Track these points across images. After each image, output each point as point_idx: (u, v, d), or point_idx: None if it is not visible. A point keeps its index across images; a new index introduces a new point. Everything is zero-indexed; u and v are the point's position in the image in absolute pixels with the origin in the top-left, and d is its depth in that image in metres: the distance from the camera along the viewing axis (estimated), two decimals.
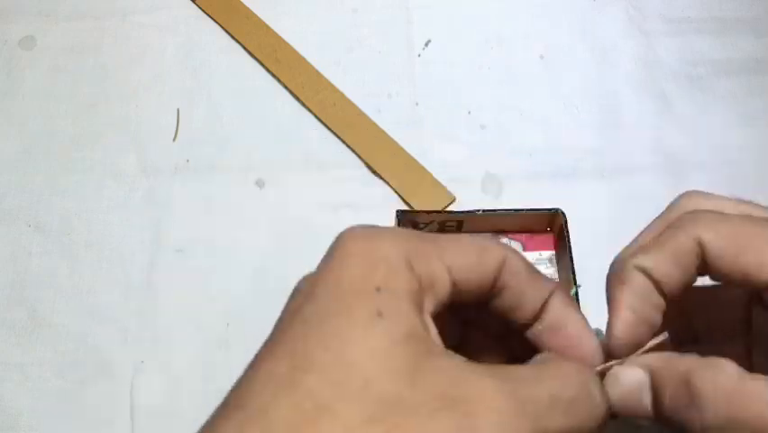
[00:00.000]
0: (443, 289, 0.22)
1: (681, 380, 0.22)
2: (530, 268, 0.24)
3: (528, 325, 0.25)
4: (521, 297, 0.24)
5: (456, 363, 0.20)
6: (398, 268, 0.21)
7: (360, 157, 0.50)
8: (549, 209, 0.44)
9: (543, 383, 0.21)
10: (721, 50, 0.56)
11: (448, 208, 0.48)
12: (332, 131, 0.51)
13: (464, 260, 0.22)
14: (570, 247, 0.42)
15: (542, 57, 0.55)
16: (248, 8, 0.57)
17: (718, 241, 0.25)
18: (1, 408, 0.42)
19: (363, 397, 0.18)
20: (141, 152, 0.51)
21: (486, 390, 0.19)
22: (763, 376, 0.22)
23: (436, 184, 0.49)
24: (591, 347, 0.24)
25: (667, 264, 0.25)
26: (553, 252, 0.44)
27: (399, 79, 0.54)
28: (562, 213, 0.43)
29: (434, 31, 0.56)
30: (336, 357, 0.19)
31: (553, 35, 0.56)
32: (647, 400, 0.23)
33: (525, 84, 0.54)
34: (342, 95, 0.53)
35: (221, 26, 0.56)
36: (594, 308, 0.37)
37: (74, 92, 0.53)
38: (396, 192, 0.49)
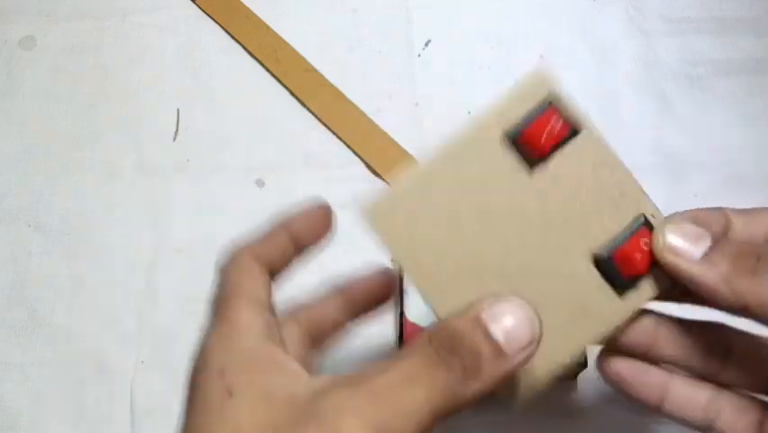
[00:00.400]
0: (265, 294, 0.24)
1: None
2: None
3: None
4: None
5: (317, 385, 0.21)
6: (227, 345, 0.23)
7: (360, 157, 0.50)
8: None
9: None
10: (721, 50, 0.56)
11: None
12: (332, 131, 0.51)
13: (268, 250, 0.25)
14: None
15: (542, 57, 0.55)
16: (248, 8, 0.57)
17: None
18: (1, 408, 0.42)
19: None
20: (141, 152, 0.51)
21: (344, 403, 0.20)
22: None
23: None
24: None
25: None
26: None
27: (399, 79, 0.54)
28: None
29: (434, 31, 0.56)
30: None
31: (553, 35, 0.56)
32: None
33: None
34: (342, 95, 0.53)
35: (221, 26, 0.56)
36: None
37: (74, 92, 0.53)
38: None
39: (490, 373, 0.21)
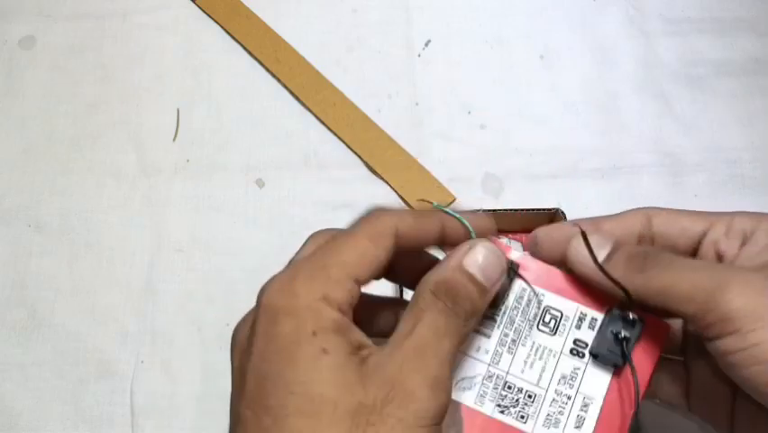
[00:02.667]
0: (350, 294, 0.26)
1: None
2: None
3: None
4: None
5: (382, 355, 0.25)
6: (319, 309, 0.25)
7: (360, 157, 0.50)
8: (549, 209, 0.44)
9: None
10: (721, 50, 0.56)
11: (448, 209, 0.48)
12: (332, 131, 0.51)
13: (360, 256, 0.27)
14: None
15: (542, 57, 0.55)
16: (248, 8, 0.57)
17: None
18: (1, 408, 0.42)
19: (337, 418, 0.23)
20: (141, 152, 0.51)
21: (408, 368, 0.25)
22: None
23: (436, 184, 0.49)
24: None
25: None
26: None
27: (399, 79, 0.54)
28: (562, 212, 0.43)
29: (434, 31, 0.56)
30: (304, 397, 0.24)
31: (553, 35, 0.56)
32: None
33: (525, 84, 0.54)
34: (342, 95, 0.53)
35: (221, 26, 0.56)
36: None
37: (74, 92, 0.53)
38: (396, 192, 0.49)
39: (481, 307, 0.28)
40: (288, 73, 0.54)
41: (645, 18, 0.57)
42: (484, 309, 0.28)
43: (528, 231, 0.44)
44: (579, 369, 0.30)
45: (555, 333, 0.31)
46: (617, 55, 0.55)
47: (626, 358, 0.29)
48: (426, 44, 0.56)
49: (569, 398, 0.30)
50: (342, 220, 0.51)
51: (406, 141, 0.51)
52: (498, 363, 0.30)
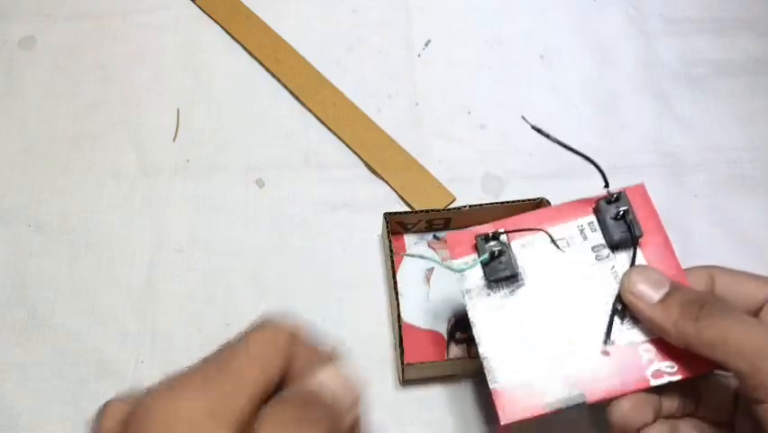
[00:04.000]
0: (244, 410, 0.22)
1: None
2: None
3: None
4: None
5: None
6: (203, 425, 0.22)
7: (360, 157, 0.50)
8: (533, 199, 0.44)
9: None
10: (721, 50, 0.56)
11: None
12: (332, 131, 0.51)
13: (252, 377, 0.23)
14: None
15: (542, 57, 0.55)
16: (248, 8, 0.57)
17: None
18: (1, 408, 0.42)
19: None
20: (141, 152, 0.51)
21: None
22: None
23: (436, 184, 0.49)
24: None
25: None
26: None
27: (399, 79, 0.54)
28: (547, 201, 0.43)
29: (434, 31, 0.56)
30: None
31: (553, 35, 0.56)
32: None
33: (525, 84, 0.54)
34: (342, 95, 0.53)
35: (221, 26, 0.56)
36: None
37: (74, 92, 0.53)
38: (396, 192, 0.49)
39: (344, 428, 0.24)
40: (288, 73, 0.54)
41: (645, 18, 0.57)
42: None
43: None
44: (614, 267, 0.34)
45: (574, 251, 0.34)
46: (617, 55, 0.55)
47: (632, 230, 0.33)
48: (426, 44, 0.56)
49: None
50: (341, 220, 0.51)
51: (406, 141, 0.51)
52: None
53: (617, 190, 0.35)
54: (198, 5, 0.57)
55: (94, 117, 0.52)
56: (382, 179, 0.50)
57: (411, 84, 0.54)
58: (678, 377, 0.31)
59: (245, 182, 0.50)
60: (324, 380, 0.24)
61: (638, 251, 0.34)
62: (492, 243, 0.35)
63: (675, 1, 0.58)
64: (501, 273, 0.34)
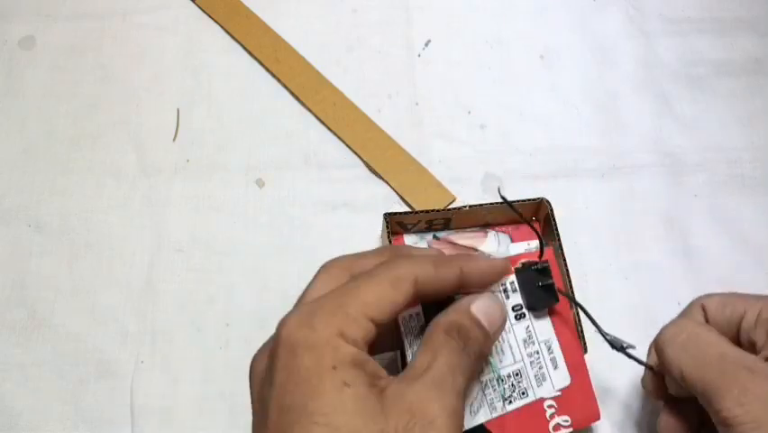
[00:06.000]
0: (366, 332, 0.28)
1: None
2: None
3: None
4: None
5: (400, 387, 0.27)
6: (338, 344, 0.27)
7: (360, 157, 0.50)
8: (533, 199, 0.44)
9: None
10: (721, 50, 0.56)
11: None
12: (332, 131, 0.51)
13: (378, 298, 0.28)
14: (558, 235, 0.42)
15: (542, 57, 0.55)
16: (248, 8, 0.57)
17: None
18: (1, 408, 0.42)
19: None
20: (142, 152, 0.51)
21: (428, 398, 0.27)
22: None
23: (436, 184, 0.49)
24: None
25: None
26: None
27: (399, 79, 0.54)
28: (547, 202, 0.43)
29: (434, 31, 0.56)
30: (328, 427, 0.25)
31: (553, 35, 0.56)
32: None
33: (525, 84, 0.54)
34: (342, 95, 0.53)
35: (221, 26, 0.56)
36: (595, 305, 0.37)
37: (74, 92, 0.53)
38: (396, 192, 0.49)
39: (486, 351, 0.32)
40: (288, 73, 0.54)
41: (645, 18, 0.57)
42: (489, 352, 0.33)
43: (515, 223, 0.44)
44: (528, 326, 0.36)
45: None
46: (617, 55, 0.55)
47: (556, 297, 0.36)
48: (426, 44, 0.56)
49: (537, 352, 0.36)
50: (341, 220, 0.51)
51: (406, 141, 0.51)
52: (482, 373, 0.34)
53: (543, 262, 0.36)
54: (198, 5, 0.57)
55: (94, 117, 0.52)
56: (382, 179, 0.50)
57: (411, 84, 0.54)
58: (571, 429, 0.35)
59: (245, 182, 0.50)
60: (481, 306, 0.30)
61: (550, 318, 0.36)
62: None
63: (675, 1, 0.58)
64: None
